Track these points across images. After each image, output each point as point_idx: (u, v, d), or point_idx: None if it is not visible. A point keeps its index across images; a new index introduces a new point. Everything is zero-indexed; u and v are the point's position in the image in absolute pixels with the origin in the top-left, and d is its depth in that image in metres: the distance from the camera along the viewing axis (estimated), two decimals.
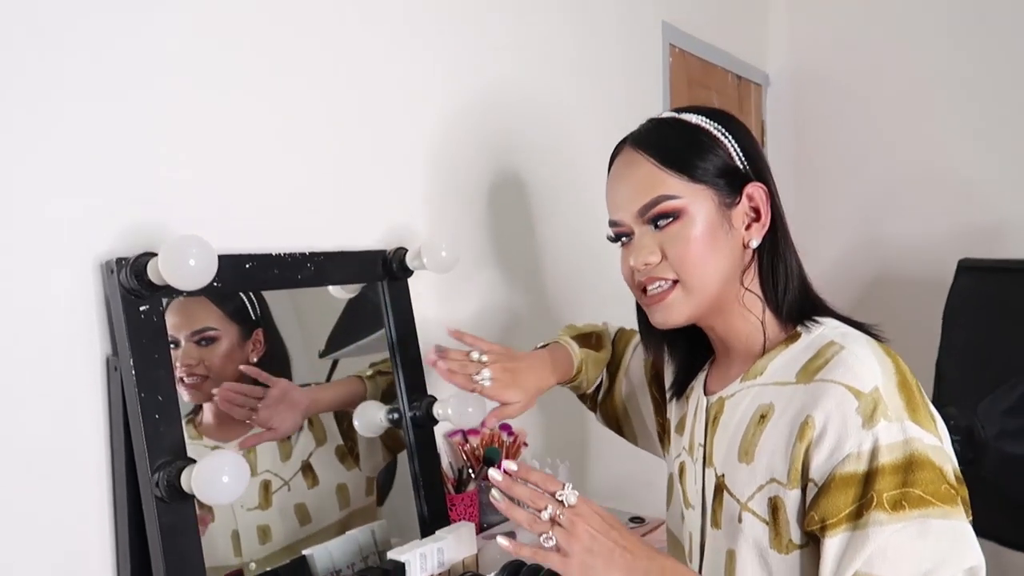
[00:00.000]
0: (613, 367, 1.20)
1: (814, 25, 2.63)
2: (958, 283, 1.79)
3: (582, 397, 1.26)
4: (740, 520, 0.83)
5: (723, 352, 0.94)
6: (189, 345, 1.00)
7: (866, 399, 0.75)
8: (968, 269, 1.78)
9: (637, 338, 1.20)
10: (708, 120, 0.89)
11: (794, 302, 0.88)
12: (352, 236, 1.23)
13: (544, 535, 0.78)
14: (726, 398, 0.90)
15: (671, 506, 1.03)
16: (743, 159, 0.88)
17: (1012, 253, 1.90)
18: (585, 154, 1.76)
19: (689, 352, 1.00)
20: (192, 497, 0.87)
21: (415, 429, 1.21)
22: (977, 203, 2.25)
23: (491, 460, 1.37)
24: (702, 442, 0.92)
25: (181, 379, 0.98)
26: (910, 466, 0.73)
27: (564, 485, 0.81)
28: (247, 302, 1.07)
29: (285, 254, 1.07)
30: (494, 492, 0.82)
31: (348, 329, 1.21)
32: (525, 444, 1.44)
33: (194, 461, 0.87)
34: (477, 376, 1.02)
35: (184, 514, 0.89)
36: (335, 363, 1.20)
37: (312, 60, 1.17)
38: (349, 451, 1.20)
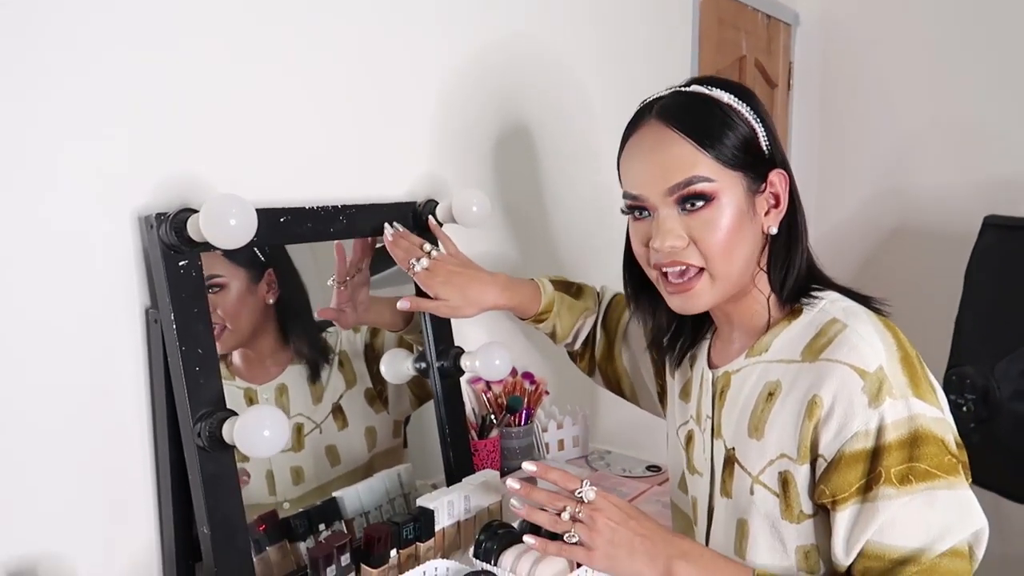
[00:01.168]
0: (612, 329, 1.21)
1: None
2: (983, 240, 1.77)
3: (573, 356, 1.27)
4: (752, 492, 0.87)
5: (725, 326, 0.95)
6: None
7: (871, 378, 0.77)
8: (994, 226, 1.76)
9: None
10: (737, 99, 0.85)
11: (800, 282, 0.89)
12: (382, 187, 1.22)
13: (567, 533, 0.82)
14: (732, 373, 0.91)
15: (672, 469, 1.06)
16: (768, 143, 0.86)
17: None
18: (611, 98, 1.74)
19: (685, 324, 1.01)
20: (233, 447, 0.89)
21: (442, 379, 1.24)
22: (1006, 158, 2.21)
23: (513, 408, 1.40)
24: (710, 414, 0.94)
25: None
26: (915, 441, 0.76)
27: (582, 482, 0.84)
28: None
29: (318, 207, 1.07)
30: (513, 500, 0.86)
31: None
32: (546, 392, 1.47)
33: (235, 413, 0.90)
34: (414, 260, 1.09)
35: (225, 463, 0.92)
36: None
37: (337, 13, 1.14)
38: (378, 394, 1.22)
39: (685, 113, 0.85)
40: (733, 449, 0.89)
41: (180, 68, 0.95)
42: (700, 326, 1.01)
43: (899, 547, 0.76)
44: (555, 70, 1.58)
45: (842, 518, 0.79)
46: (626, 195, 0.89)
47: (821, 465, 0.80)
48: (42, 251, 0.85)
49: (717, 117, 0.84)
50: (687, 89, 0.88)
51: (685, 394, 1.01)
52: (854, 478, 0.77)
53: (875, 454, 0.76)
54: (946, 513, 0.77)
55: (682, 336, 1.01)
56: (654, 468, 1.44)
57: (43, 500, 0.86)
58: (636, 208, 0.88)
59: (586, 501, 0.83)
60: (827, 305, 0.86)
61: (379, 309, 1.22)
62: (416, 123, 1.28)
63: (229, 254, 1.02)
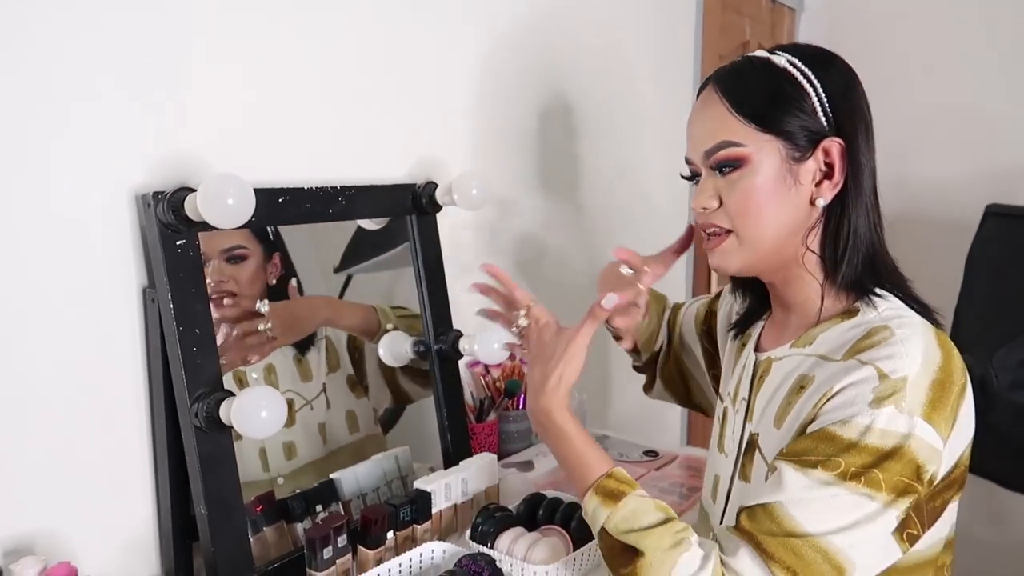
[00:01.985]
0: (673, 330, 1.20)
1: None
2: (984, 229, 1.76)
3: (647, 365, 1.22)
4: (767, 480, 0.84)
5: (781, 310, 0.93)
6: (220, 263, 1.01)
7: (887, 383, 0.74)
8: (996, 215, 1.74)
9: (686, 304, 1.22)
10: (800, 64, 0.83)
11: (853, 271, 0.84)
12: (381, 168, 1.22)
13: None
14: (774, 360, 0.90)
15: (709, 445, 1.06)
16: (828, 111, 0.82)
17: None
18: (611, 79, 1.73)
19: (758, 297, 1.00)
20: (230, 427, 0.89)
21: (441, 362, 1.23)
22: (1009, 147, 2.19)
23: (512, 392, 1.40)
24: (746, 396, 0.93)
25: (211, 297, 0.99)
26: (891, 454, 0.73)
27: (523, 309, 0.98)
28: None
29: (317, 188, 1.06)
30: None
31: (362, 246, 1.22)
32: None
33: (232, 393, 0.90)
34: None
35: (222, 443, 0.92)
36: (348, 279, 1.21)
37: None
38: (359, 381, 1.22)
39: (731, 78, 0.86)
40: (758, 435, 0.88)
41: (179, 48, 0.94)
42: (760, 306, 0.99)
43: (800, 523, 0.73)
44: (555, 54, 1.57)
45: (776, 466, 0.76)
46: (685, 159, 0.91)
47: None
48: (39, 230, 0.84)
49: (762, 81, 0.83)
50: (751, 54, 0.88)
51: (730, 373, 1.01)
52: (811, 450, 0.75)
53: (845, 448, 0.74)
54: (858, 524, 0.73)
55: (750, 307, 1.01)
56: (651, 453, 1.44)
57: (41, 478, 0.86)
58: (693, 174, 0.90)
59: (520, 325, 0.97)
60: (886, 311, 0.82)
61: (347, 320, 1.20)
62: (417, 105, 1.27)
63: (253, 229, 1.04)
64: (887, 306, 0.83)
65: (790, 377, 0.86)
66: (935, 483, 0.78)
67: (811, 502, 0.74)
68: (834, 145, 0.82)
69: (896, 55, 2.43)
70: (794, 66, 0.83)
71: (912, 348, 0.77)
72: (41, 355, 0.85)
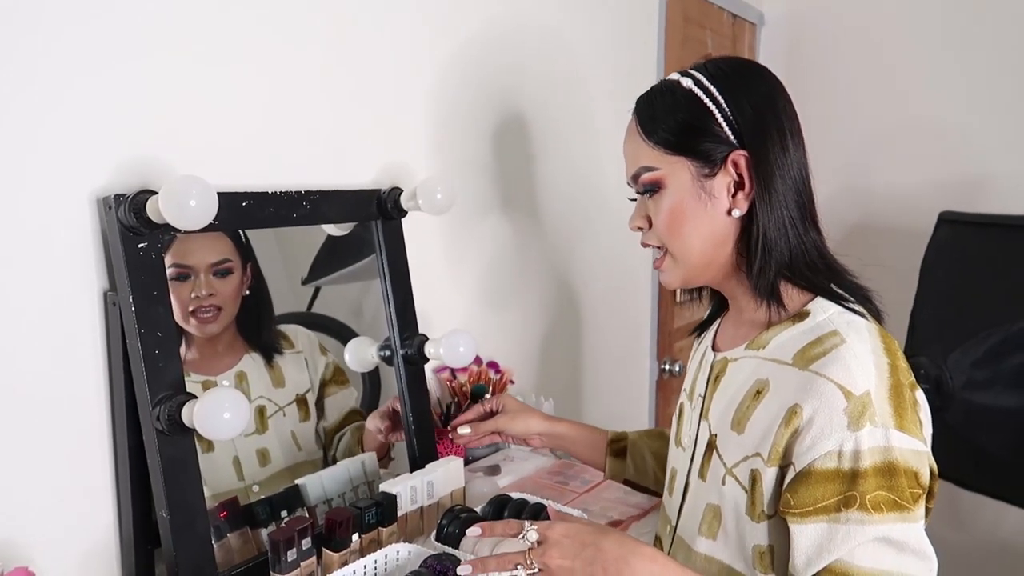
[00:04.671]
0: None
1: None
2: (938, 235, 1.82)
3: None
4: (724, 483, 0.87)
5: (735, 311, 0.96)
6: (208, 277, 1.02)
7: (855, 401, 0.76)
8: (948, 222, 1.80)
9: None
10: (707, 83, 0.86)
11: (766, 276, 0.86)
12: (347, 175, 1.22)
13: None
14: (730, 360, 0.92)
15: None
16: (735, 124, 0.85)
17: (993, 207, 1.93)
18: (582, 93, 1.75)
19: (715, 299, 1.03)
20: (192, 430, 0.89)
21: (406, 367, 1.24)
22: (962, 156, 2.27)
23: (478, 396, 1.40)
24: (702, 394, 0.95)
25: (194, 311, 1.00)
26: (891, 471, 0.75)
27: (522, 527, 0.81)
28: (242, 234, 1.08)
29: (281, 192, 1.06)
30: (460, 570, 0.81)
31: (331, 257, 1.22)
32: (511, 382, 1.48)
33: (194, 396, 0.89)
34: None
35: (184, 447, 0.91)
36: (316, 291, 1.21)
37: None
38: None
39: (644, 106, 0.91)
40: (716, 436, 0.90)
41: (143, 49, 0.94)
42: (720, 307, 1.03)
43: (868, 569, 0.76)
44: (520, 64, 1.59)
45: (806, 532, 0.77)
46: (628, 183, 0.95)
47: (790, 473, 0.79)
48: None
49: (668, 106, 0.88)
50: (666, 78, 0.92)
51: (690, 369, 1.03)
52: (822, 495, 0.76)
53: (852, 478, 0.75)
54: (918, 544, 0.76)
55: (712, 315, 1.05)
56: None
57: None
58: (635, 195, 0.95)
59: (530, 543, 0.79)
60: (835, 315, 0.84)
61: None
62: (382, 111, 1.28)
63: (236, 240, 1.05)
64: (836, 309, 0.85)
65: (748, 382, 0.87)
66: (933, 479, 0.80)
67: (866, 545, 0.75)
68: (740, 158, 0.85)
69: (855, 68, 2.50)
70: (700, 86, 0.86)
71: (863, 356, 0.79)
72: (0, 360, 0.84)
